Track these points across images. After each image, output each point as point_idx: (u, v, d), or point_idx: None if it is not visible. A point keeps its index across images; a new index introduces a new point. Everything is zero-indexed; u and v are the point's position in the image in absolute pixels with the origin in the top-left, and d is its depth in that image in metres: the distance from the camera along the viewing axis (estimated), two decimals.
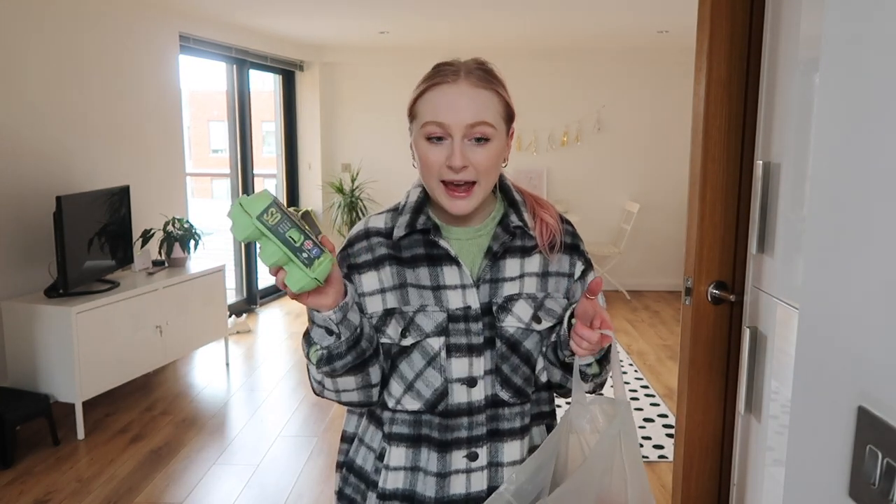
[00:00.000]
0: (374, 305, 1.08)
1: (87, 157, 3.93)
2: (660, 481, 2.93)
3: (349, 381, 1.06)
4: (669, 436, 3.36)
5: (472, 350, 1.07)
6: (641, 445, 3.27)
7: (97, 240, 3.59)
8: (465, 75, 1.05)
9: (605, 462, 0.99)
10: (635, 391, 3.98)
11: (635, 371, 4.34)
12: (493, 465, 1.09)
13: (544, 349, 1.13)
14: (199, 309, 4.15)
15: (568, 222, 1.19)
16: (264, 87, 6.85)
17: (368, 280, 1.09)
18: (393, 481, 1.09)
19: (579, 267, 1.16)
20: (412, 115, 1.09)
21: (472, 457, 1.07)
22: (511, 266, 1.11)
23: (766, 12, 1.62)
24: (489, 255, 1.10)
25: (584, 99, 6.45)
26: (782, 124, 1.54)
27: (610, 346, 1.07)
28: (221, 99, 5.81)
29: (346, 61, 6.50)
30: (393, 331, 1.08)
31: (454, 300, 1.07)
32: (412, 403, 1.08)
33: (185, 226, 4.23)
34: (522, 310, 1.09)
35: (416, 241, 1.10)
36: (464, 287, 1.08)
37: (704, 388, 1.86)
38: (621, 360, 4.54)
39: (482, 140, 1.04)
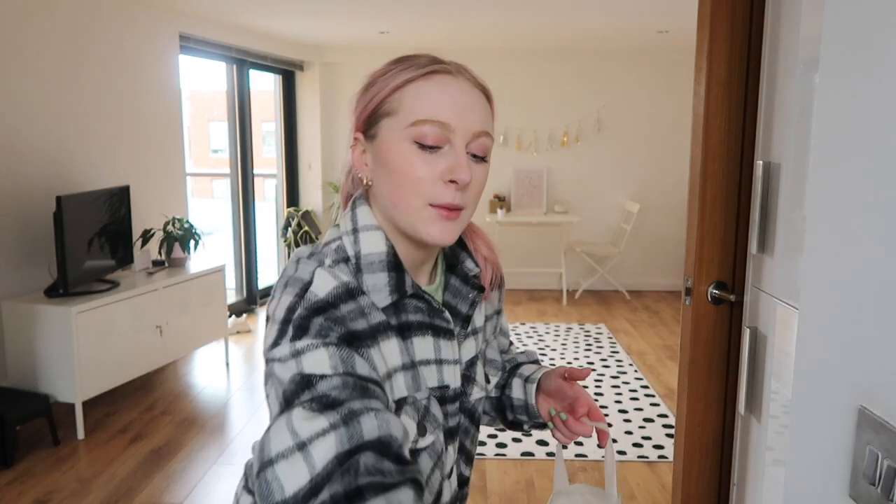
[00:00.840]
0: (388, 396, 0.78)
1: (87, 157, 3.93)
2: (660, 481, 2.93)
3: None
4: (669, 436, 3.36)
5: (451, 436, 0.86)
6: (641, 445, 3.27)
7: (97, 240, 3.59)
8: (459, 69, 0.81)
9: None
10: (635, 391, 3.99)
11: (635, 371, 4.34)
12: None
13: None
14: (199, 309, 4.15)
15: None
16: (264, 87, 6.85)
17: (378, 360, 0.76)
18: None
19: (501, 300, 1.01)
20: (379, 114, 0.79)
21: None
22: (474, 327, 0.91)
23: (766, 12, 1.62)
24: (457, 319, 0.87)
25: (584, 99, 6.45)
26: (782, 124, 1.55)
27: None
28: (221, 99, 5.81)
29: (346, 61, 6.50)
30: (408, 426, 0.78)
31: (430, 378, 0.82)
32: None
33: (185, 226, 4.23)
34: (480, 373, 0.92)
35: (404, 305, 0.81)
36: (441, 363, 0.83)
37: (704, 388, 1.86)
38: (620, 361, 4.54)
39: (480, 158, 0.80)
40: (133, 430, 3.44)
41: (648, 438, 3.35)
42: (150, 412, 3.66)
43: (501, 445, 3.23)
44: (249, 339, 5.11)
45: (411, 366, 0.79)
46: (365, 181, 0.82)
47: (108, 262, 3.71)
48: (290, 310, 0.72)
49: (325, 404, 0.65)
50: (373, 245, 0.80)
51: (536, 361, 1.05)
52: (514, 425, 0.98)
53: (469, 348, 0.88)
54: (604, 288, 6.59)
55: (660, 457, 3.16)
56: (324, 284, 0.74)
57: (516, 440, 3.28)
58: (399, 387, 0.77)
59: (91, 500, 2.77)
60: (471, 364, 0.89)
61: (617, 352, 4.75)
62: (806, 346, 0.71)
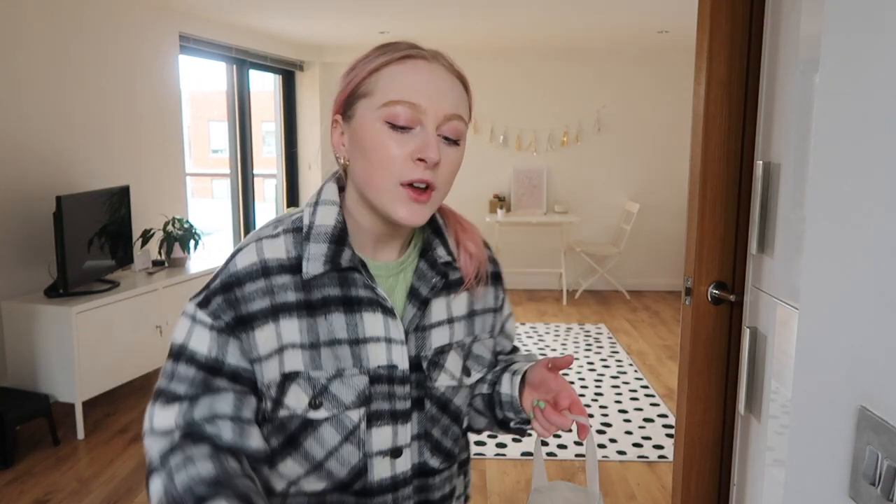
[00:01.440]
0: (271, 371, 0.83)
1: (87, 157, 3.93)
2: (660, 481, 2.93)
3: None
4: (669, 436, 3.36)
5: (396, 417, 0.87)
6: (641, 445, 3.27)
7: (97, 240, 3.59)
8: (435, 56, 0.84)
9: None
10: (635, 391, 3.99)
11: (635, 371, 4.34)
12: None
13: (471, 400, 0.98)
14: None
15: (487, 245, 1.00)
16: (264, 87, 6.85)
17: (264, 337, 0.82)
18: None
19: (500, 295, 1.01)
20: (356, 95, 0.83)
21: None
22: (437, 309, 0.91)
23: (766, 12, 1.62)
24: (415, 300, 0.89)
25: (584, 99, 6.45)
26: (782, 124, 1.55)
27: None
28: (221, 99, 5.81)
29: (346, 61, 6.40)
30: (295, 400, 0.83)
31: (375, 357, 0.85)
32: (315, 485, 0.86)
33: (185, 226, 4.23)
34: (454, 363, 0.92)
35: (329, 279, 0.85)
36: (389, 341, 0.86)
37: (704, 388, 1.86)
38: (620, 361, 4.54)
39: (453, 141, 0.83)
40: (133, 430, 3.44)
41: (648, 438, 3.35)
42: None
43: (501, 445, 3.23)
44: None
45: (311, 346, 0.83)
46: (342, 161, 0.88)
47: (108, 262, 3.71)
48: (215, 276, 0.85)
49: (172, 397, 0.87)
50: (325, 218, 0.86)
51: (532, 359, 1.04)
52: (504, 424, 0.97)
53: (440, 336, 0.91)
54: (604, 288, 6.59)
55: (660, 457, 3.16)
56: (245, 259, 0.84)
57: (516, 440, 3.28)
58: (294, 362, 0.83)
59: (91, 500, 2.77)
60: (440, 352, 0.91)
61: (617, 352, 4.75)
62: (806, 346, 0.71)
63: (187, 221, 4.29)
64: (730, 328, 1.83)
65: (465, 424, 0.99)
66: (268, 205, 7.27)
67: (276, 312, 0.83)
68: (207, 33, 5.00)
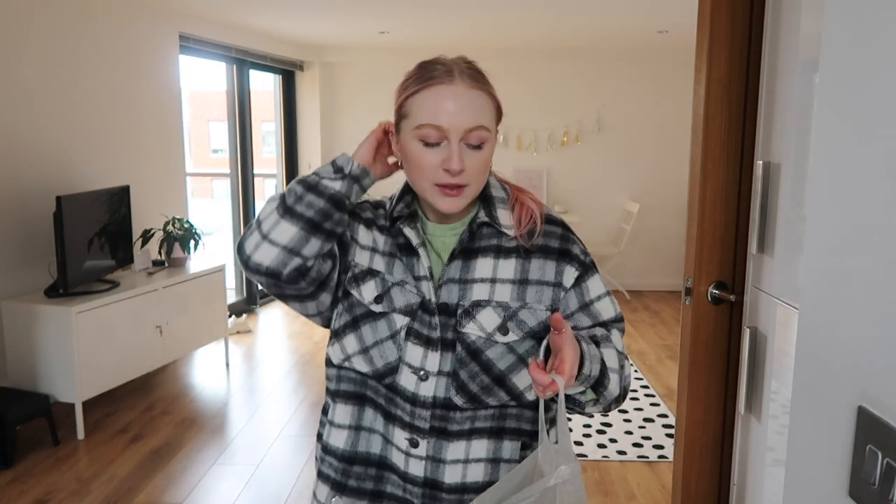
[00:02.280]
0: (362, 258, 1.09)
1: (87, 157, 3.93)
2: (660, 481, 2.93)
3: (286, 232, 1.01)
4: (669, 436, 3.36)
5: (428, 343, 1.04)
6: (641, 445, 3.27)
7: (97, 240, 3.59)
8: (459, 75, 1.01)
9: None
10: (635, 391, 3.99)
11: (635, 371, 4.34)
12: (434, 459, 1.04)
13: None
14: (199, 309, 4.15)
15: (560, 224, 1.10)
16: (264, 87, 6.85)
17: (364, 234, 1.10)
18: (336, 438, 1.09)
19: (570, 273, 1.06)
20: (401, 114, 1.05)
21: (413, 443, 1.04)
22: (482, 266, 1.06)
23: (766, 12, 1.62)
24: (452, 254, 1.07)
25: (584, 99, 6.45)
26: (782, 124, 1.55)
27: (602, 373, 0.97)
28: (221, 99, 5.81)
29: (346, 61, 6.50)
30: (367, 292, 1.07)
31: (424, 290, 1.06)
32: (362, 366, 1.07)
33: (185, 226, 4.23)
34: (488, 318, 1.03)
35: (397, 230, 1.10)
36: (426, 279, 1.06)
37: (704, 388, 1.86)
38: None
39: (476, 146, 1.01)
40: (133, 430, 3.44)
41: (648, 438, 3.35)
42: (150, 412, 3.66)
43: None
44: (249, 339, 5.11)
45: (391, 255, 1.08)
46: (399, 163, 1.10)
47: (108, 262, 3.71)
48: None
49: None
50: (397, 190, 1.13)
51: (598, 340, 1.04)
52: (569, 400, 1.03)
53: (480, 291, 1.04)
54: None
55: (660, 457, 3.16)
56: (367, 196, 1.15)
57: None
58: (377, 262, 1.09)
59: (91, 500, 2.77)
60: (476, 304, 1.04)
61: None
62: (806, 346, 0.71)
63: (187, 221, 4.29)
64: (730, 328, 1.83)
65: (523, 385, 1.04)
66: None
67: (376, 224, 1.11)
68: (207, 33, 5.00)
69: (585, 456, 3.16)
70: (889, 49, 0.59)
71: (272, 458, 3.17)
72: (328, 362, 1.12)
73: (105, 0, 4.05)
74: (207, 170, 16.67)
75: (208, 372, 4.35)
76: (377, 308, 1.06)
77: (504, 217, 1.08)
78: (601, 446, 3.26)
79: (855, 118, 0.64)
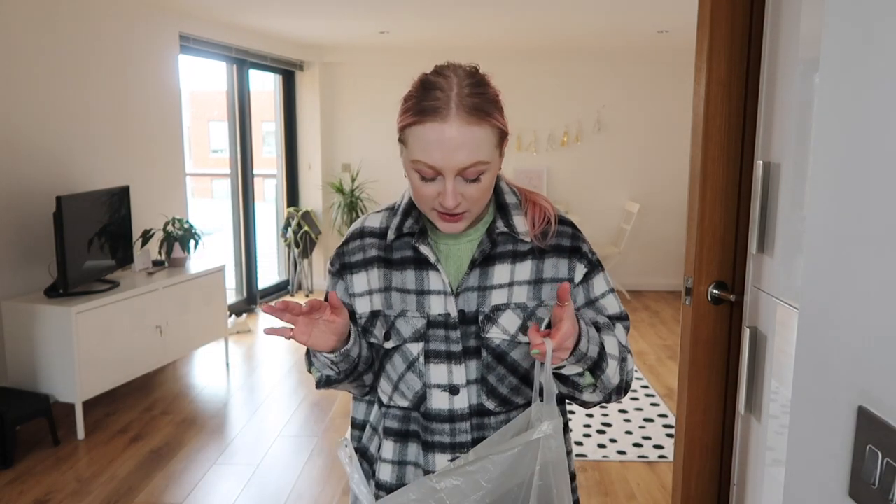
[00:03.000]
0: (363, 306, 1.11)
1: (87, 157, 3.93)
2: (660, 481, 2.93)
3: (346, 386, 1.14)
4: (669, 436, 3.36)
5: (450, 357, 1.06)
6: (641, 445, 3.27)
7: (97, 240, 3.59)
8: (456, 109, 0.96)
9: (520, 468, 0.93)
10: (635, 391, 3.99)
11: (635, 371, 4.34)
12: None
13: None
14: (199, 309, 4.15)
15: (570, 224, 1.13)
16: (264, 87, 6.85)
17: (359, 280, 1.11)
18: (384, 473, 1.12)
19: (580, 270, 1.09)
20: (402, 139, 1.02)
21: None
22: (500, 273, 1.07)
23: (766, 12, 1.62)
24: (471, 264, 1.07)
25: (584, 99, 6.45)
26: (782, 124, 1.55)
27: (601, 356, 0.99)
28: (221, 99, 5.81)
29: (346, 61, 6.49)
30: (379, 332, 1.10)
31: (436, 306, 1.06)
32: (401, 401, 1.10)
33: (185, 226, 4.23)
34: (509, 321, 1.06)
35: (406, 243, 1.09)
36: (445, 294, 1.06)
37: (704, 388, 1.86)
38: None
39: (475, 179, 0.99)
40: (133, 430, 3.44)
41: (648, 438, 3.35)
42: (150, 412, 3.66)
43: None
44: (249, 339, 5.11)
45: (385, 289, 1.09)
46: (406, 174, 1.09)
47: (108, 262, 3.71)
48: None
49: None
50: (405, 198, 1.12)
51: (599, 326, 1.06)
52: (559, 379, 1.03)
53: (499, 296, 1.06)
54: None
55: (660, 457, 3.16)
56: (353, 228, 1.16)
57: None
58: (376, 303, 1.10)
59: (91, 500, 2.77)
60: (497, 309, 1.06)
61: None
62: (806, 346, 0.71)
63: (187, 221, 4.29)
64: (730, 328, 1.83)
65: (533, 378, 1.05)
66: (268, 205, 7.27)
67: (366, 264, 1.11)
68: (207, 33, 5.00)
69: (585, 456, 3.16)
70: (889, 49, 0.59)
71: (272, 458, 3.17)
72: (379, 403, 1.16)
73: (105, 0, 4.05)
74: (207, 170, 16.68)
75: (208, 372, 4.35)
76: (389, 344, 1.08)
77: (520, 224, 1.08)
78: (601, 446, 3.26)
79: (855, 118, 0.64)
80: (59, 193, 3.48)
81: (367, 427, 1.19)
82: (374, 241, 1.12)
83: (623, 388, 1.07)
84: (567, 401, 1.14)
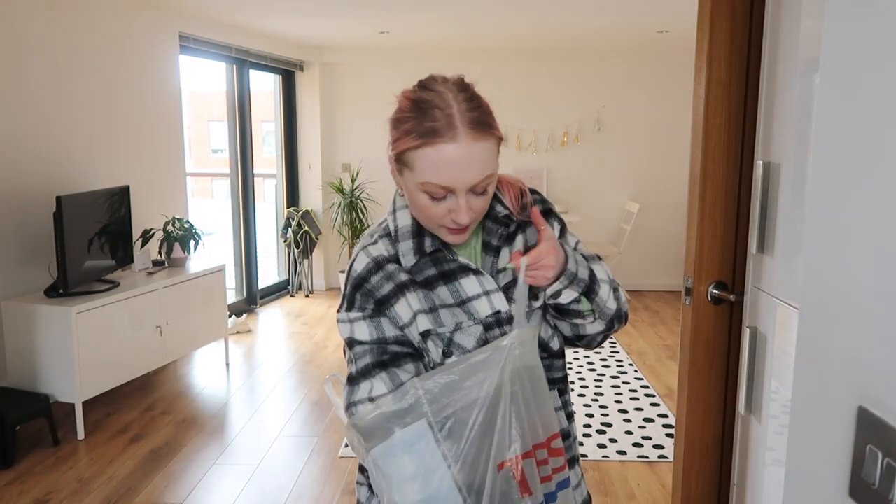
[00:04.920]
0: (413, 332, 1.07)
1: (87, 157, 3.93)
2: (660, 481, 2.93)
3: None
4: (669, 436, 3.36)
5: None
6: (641, 445, 3.27)
7: (97, 240, 3.59)
8: (463, 129, 0.96)
9: (491, 375, 0.98)
10: (635, 391, 3.99)
11: (635, 371, 4.34)
12: None
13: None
14: (199, 309, 4.15)
15: (537, 192, 1.18)
16: (264, 87, 6.84)
17: (401, 309, 1.06)
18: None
19: (556, 228, 1.16)
20: (403, 162, 1.00)
21: None
22: (503, 256, 1.11)
23: (766, 12, 1.62)
24: (491, 251, 1.09)
25: (584, 99, 6.45)
26: (782, 124, 1.55)
27: (592, 279, 1.06)
28: (221, 99, 5.81)
29: (346, 61, 6.49)
30: (434, 352, 1.07)
31: (482, 309, 1.07)
32: None
33: (186, 226, 4.23)
34: (520, 294, 1.09)
35: (424, 263, 1.08)
36: (488, 293, 1.07)
37: (704, 388, 1.86)
38: (620, 361, 4.55)
39: (483, 193, 1.02)
40: (133, 430, 3.44)
41: (648, 438, 3.35)
42: (150, 412, 3.67)
43: None
44: (249, 339, 5.11)
45: (431, 310, 1.06)
46: (400, 191, 1.09)
47: (108, 262, 3.71)
48: (344, 287, 1.10)
49: (364, 370, 1.05)
50: (403, 220, 1.09)
51: (586, 256, 1.12)
52: (559, 311, 1.08)
53: (506, 275, 1.09)
54: None
55: (660, 457, 3.16)
56: (360, 263, 1.08)
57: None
58: (424, 323, 1.05)
59: (91, 500, 2.77)
60: (508, 287, 1.08)
61: (617, 352, 4.75)
62: (806, 346, 0.71)
63: (187, 221, 4.29)
64: (730, 328, 1.83)
65: (547, 335, 1.12)
66: (268, 205, 7.26)
67: (400, 290, 1.06)
68: (207, 33, 5.00)
69: (586, 456, 3.16)
70: (889, 49, 0.59)
71: (272, 458, 3.17)
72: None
73: (105, 1, 4.05)
74: (207, 170, 16.68)
75: (208, 372, 4.35)
76: (451, 361, 1.06)
77: (508, 204, 1.12)
78: (601, 446, 3.26)
79: (855, 118, 0.64)
80: (59, 193, 3.48)
81: None
82: (394, 266, 1.07)
83: (622, 317, 1.13)
84: (576, 345, 1.17)
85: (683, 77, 6.18)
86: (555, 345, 1.14)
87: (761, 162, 1.60)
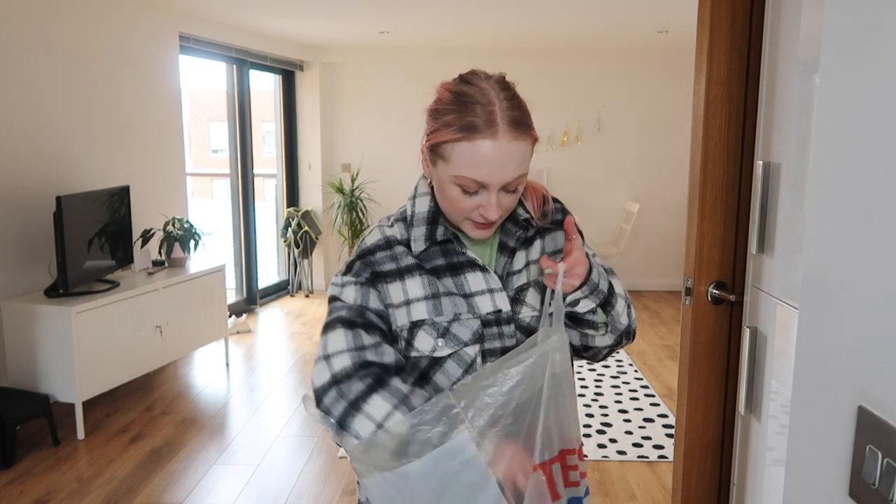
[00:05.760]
0: (402, 318, 1.07)
1: (87, 157, 3.93)
2: (660, 481, 2.93)
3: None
4: (669, 436, 3.36)
5: (505, 353, 1.07)
6: (641, 445, 3.27)
7: (97, 240, 3.59)
8: (503, 127, 0.97)
9: (531, 380, 0.97)
10: (635, 391, 3.99)
11: (635, 371, 4.34)
12: None
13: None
14: (199, 309, 4.15)
15: (557, 200, 1.19)
16: (264, 87, 6.85)
17: (394, 291, 1.07)
18: None
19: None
20: (438, 153, 1.02)
21: None
22: (518, 259, 1.12)
23: (766, 12, 1.62)
24: (506, 252, 1.10)
25: (584, 99, 6.45)
26: (782, 124, 1.55)
27: (610, 292, 1.08)
28: (221, 99, 5.81)
29: (346, 61, 6.49)
30: (423, 343, 1.06)
31: (483, 306, 1.07)
32: None
33: (185, 226, 4.23)
34: (533, 297, 1.11)
35: (434, 252, 1.09)
36: (492, 291, 1.08)
37: (704, 388, 1.86)
38: (620, 361, 4.54)
39: (511, 191, 1.03)
40: (133, 430, 3.44)
41: (648, 438, 3.35)
42: (150, 412, 3.67)
43: None
44: (249, 339, 5.11)
45: (433, 296, 1.06)
46: (429, 180, 1.10)
47: (108, 262, 3.71)
48: (351, 255, 1.12)
49: (337, 320, 1.05)
50: (421, 207, 1.10)
51: (605, 268, 1.14)
52: (573, 320, 1.08)
53: (520, 278, 1.10)
54: None
55: (660, 457, 3.16)
56: (372, 238, 1.11)
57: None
58: (419, 312, 1.05)
59: (91, 500, 2.77)
60: (521, 290, 1.10)
61: (617, 352, 4.75)
62: (806, 346, 0.71)
63: (187, 221, 4.29)
64: (730, 328, 1.83)
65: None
66: (268, 205, 7.26)
67: (401, 273, 1.07)
68: (207, 33, 5.00)
69: (586, 456, 3.15)
70: (889, 49, 0.59)
71: (272, 458, 3.17)
72: None
73: (105, 0, 4.05)
74: (207, 170, 16.69)
75: (208, 372, 4.35)
76: (444, 352, 1.05)
77: (530, 209, 1.14)
78: (601, 446, 3.26)
79: (855, 118, 0.64)
80: (59, 193, 3.48)
81: None
82: (403, 249, 1.09)
83: (631, 333, 1.15)
84: (581, 356, 1.18)
85: (683, 77, 6.18)
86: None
87: (761, 162, 1.60)
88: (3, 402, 3.07)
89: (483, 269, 1.08)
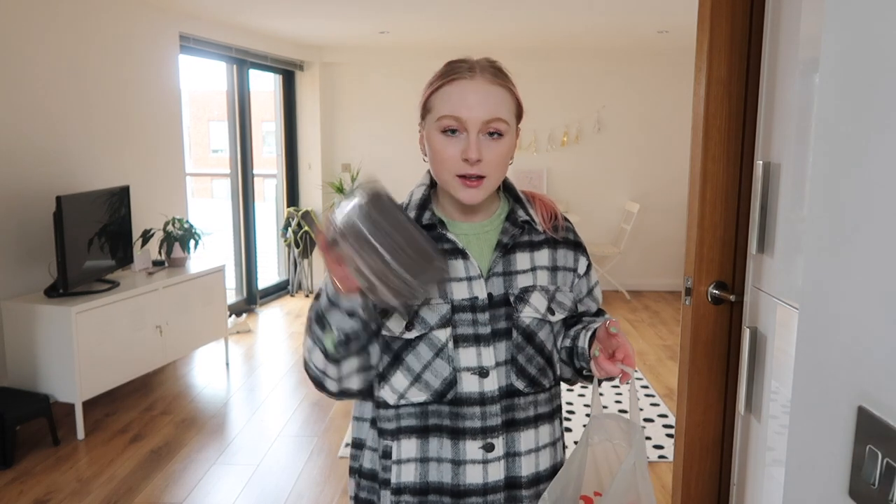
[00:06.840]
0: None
1: (87, 156, 3.93)
2: (660, 481, 2.93)
3: (352, 364, 1.08)
4: (669, 436, 3.36)
5: (479, 340, 1.09)
6: None
7: (97, 240, 3.59)
8: (480, 72, 1.08)
9: (624, 497, 1.02)
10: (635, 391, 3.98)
11: (635, 371, 4.33)
12: (510, 454, 1.11)
13: (558, 348, 1.19)
14: (199, 309, 4.15)
15: (568, 220, 1.24)
16: (264, 87, 6.85)
17: None
18: (406, 474, 1.11)
19: (583, 263, 1.22)
20: (426, 109, 1.11)
21: (489, 448, 1.09)
22: (522, 260, 1.15)
23: (766, 12, 1.62)
24: (500, 248, 1.13)
25: (584, 99, 6.45)
26: (782, 124, 1.55)
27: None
28: (221, 99, 5.81)
29: (346, 61, 6.49)
30: (395, 325, 1.09)
31: (458, 292, 1.10)
32: (418, 395, 1.10)
33: (185, 226, 4.23)
34: (538, 301, 1.13)
35: (435, 236, 1.13)
36: (470, 279, 1.10)
37: (704, 388, 1.86)
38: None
39: (496, 135, 1.07)
40: (133, 430, 3.44)
41: (648, 438, 3.35)
42: (150, 412, 3.67)
43: None
44: (249, 339, 5.11)
45: None
46: (425, 157, 1.15)
47: (108, 262, 3.71)
48: None
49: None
50: (417, 195, 1.17)
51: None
52: (580, 373, 1.17)
53: (525, 279, 1.14)
54: (604, 288, 6.57)
55: (660, 457, 3.16)
56: None
57: None
58: None
59: (91, 500, 2.77)
60: (526, 290, 1.13)
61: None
62: (806, 346, 0.71)
63: (187, 221, 4.29)
64: (730, 328, 1.83)
65: (554, 361, 1.18)
66: (268, 205, 7.26)
67: None
68: (207, 33, 5.00)
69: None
70: (889, 49, 0.59)
71: (272, 458, 3.17)
72: (383, 405, 1.13)
73: (105, 0, 4.05)
74: (207, 170, 16.69)
75: (208, 372, 4.35)
76: (412, 335, 1.09)
77: (535, 215, 1.19)
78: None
79: (855, 118, 0.64)
80: (59, 193, 3.48)
81: (363, 445, 1.18)
82: None
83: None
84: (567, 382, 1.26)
85: (683, 77, 6.17)
86: (558, 372, 1.20)
87: (761, 162, 1.60)
88: (3, 402, 3.07)
89: (464, 255, 1.11)
